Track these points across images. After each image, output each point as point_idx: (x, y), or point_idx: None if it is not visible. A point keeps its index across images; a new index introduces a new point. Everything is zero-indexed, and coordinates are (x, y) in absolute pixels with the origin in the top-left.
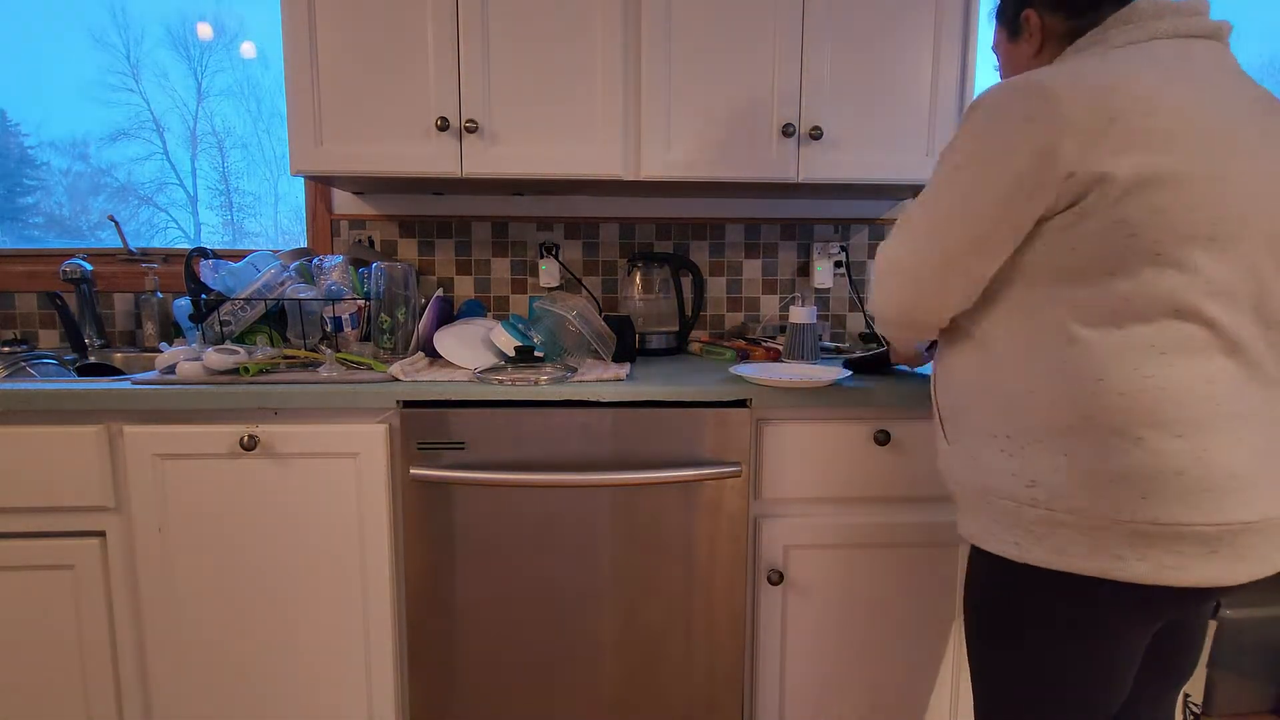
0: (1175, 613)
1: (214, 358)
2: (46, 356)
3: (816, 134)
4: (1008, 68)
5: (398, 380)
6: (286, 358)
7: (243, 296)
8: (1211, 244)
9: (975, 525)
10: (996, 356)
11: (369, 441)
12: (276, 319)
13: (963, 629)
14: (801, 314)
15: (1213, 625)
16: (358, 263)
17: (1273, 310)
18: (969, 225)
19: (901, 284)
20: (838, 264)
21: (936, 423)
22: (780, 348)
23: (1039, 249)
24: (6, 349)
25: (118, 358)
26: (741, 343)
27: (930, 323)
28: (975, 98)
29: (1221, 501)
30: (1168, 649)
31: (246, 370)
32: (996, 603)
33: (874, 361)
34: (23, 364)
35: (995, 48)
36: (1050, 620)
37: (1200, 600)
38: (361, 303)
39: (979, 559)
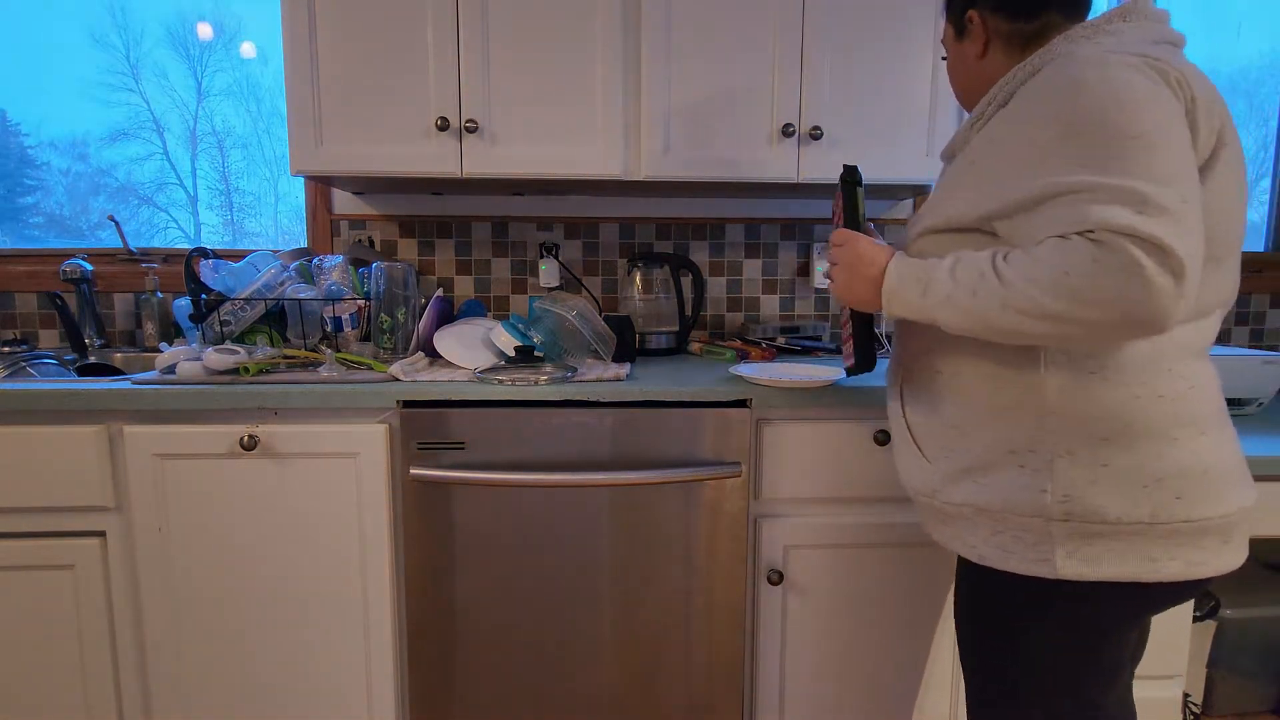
0: (1174, 604)
1: (214, 358)
2: (46, 356)
3: (816, 134)
4: (955, 65)
5: (398, 380)
6: (286, 358)
7: (243, 296)
8: (1232, 251)
9: (985, 547)
10: (1025, 370)
11: (369, 441)
12: (276, 319)
13: (960, 637)
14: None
15: (1212, 625)
16: (358, 263)
17: (1224, 312)
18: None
19: (1179, 279)
20: None
21: (906, 443)
22: (778, 348)
23: None
24: (6, 349)
25: (118, 358)
26: (739, 343)
27: (1172, 326)
28: (1062, 74)
29: (1231, 492)
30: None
31: (246, 370)
32: (1014, 619)
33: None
34: (23, 364)
35: (944, 42)
36: (1076, 627)
37: (1196, 592)
38: (361, 303)
39: (985, 577)
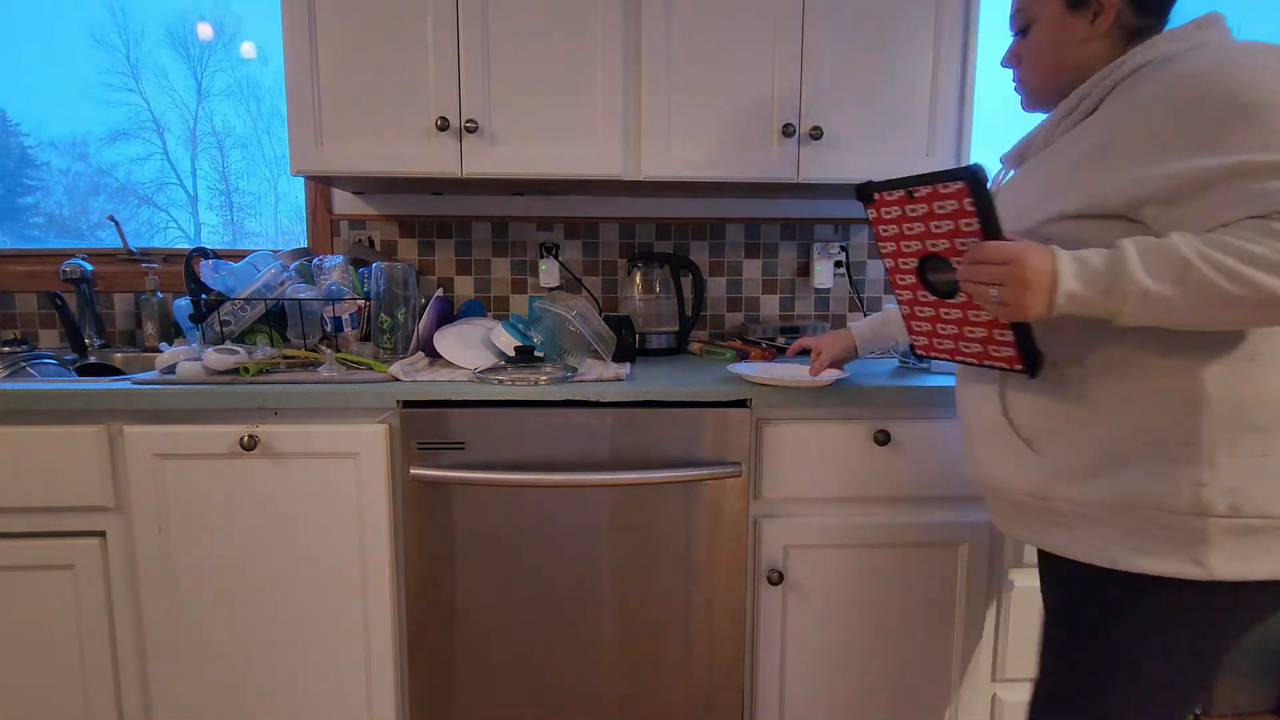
0: None
1: (214, 358)
2: (46, 356)
3: (816, 134)
4: (1052, 40)
5: (398, 380)
6: (286, 358)
7: (243, 296)
8: None
9: (1116, 548)
10: (1177, 357)
11: (369, 441)
12: (276, 319)
13: (1048, 639)
14: None
15: None
16: (358, 263)
17: None
18: None
19: None
20: (838, 264)
21: (1008, 435)
22: (778, 348)
23: None
24: (6, 349)
25: (118, 358)
26: (739, 343)
27: None
28: (1206, 58)
29: None
30: None
31: (246, 370)
32: (1140, 624)
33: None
34: (23, 364)
35: (1027, 10)
36: (1194, 630)
37: None
38: (361, 303)
39: (1105, 580)
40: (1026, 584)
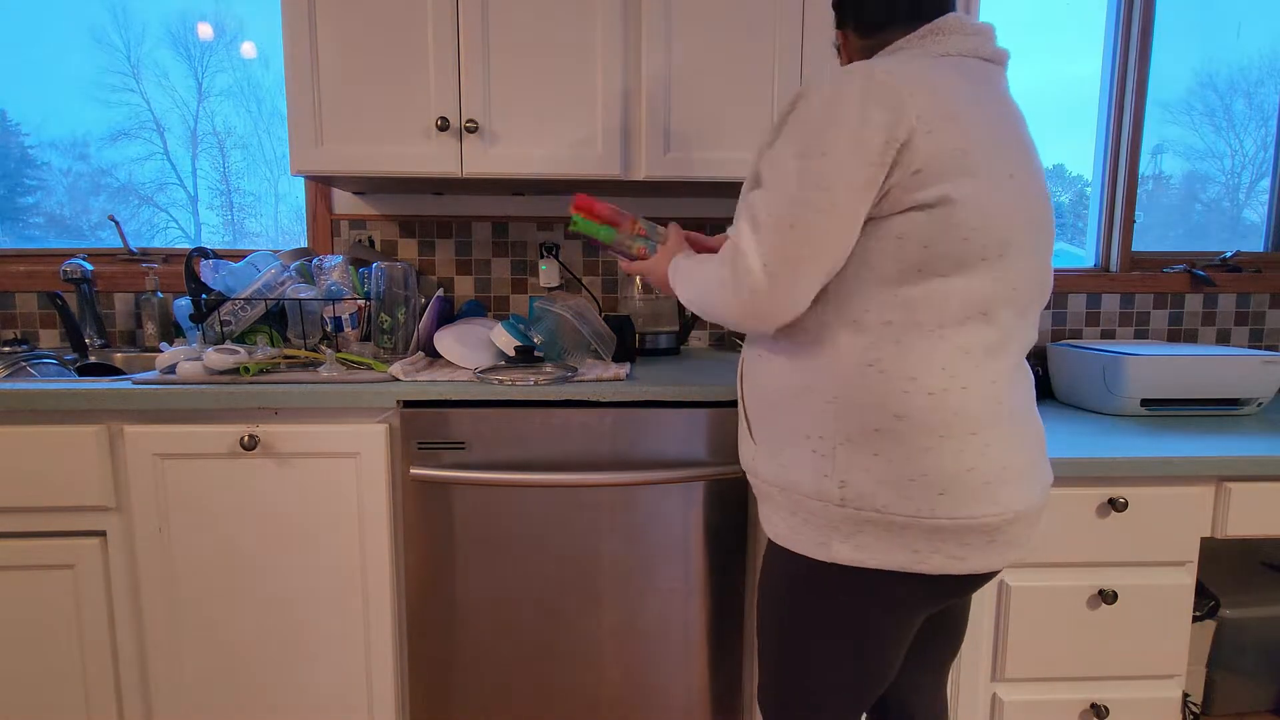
0: (951, 599)
1: (214, 358)
2: (47, 356)
3: None
4: None
5: (398, 380)
6: (287, 358)
7: (243, 296)
8: (1013, 248)
9: (782, 526)
10: (815, 357)
11: (369, 441)
12: (277, 319)
13: (758, 616)
14: None
15: (1212, 625)
16: (358, 263)
17: (1028, 312)
18: (833, 217)
19: (759, 284)
20: None
21: (742, 420)
22: None
23: (873, 246)
24: (7, 349)
25: (118, 358)
26: (739, 342)
27: (783, 321)
28: (805, 89)
29: (999, 493)
30: (932, 633)
31: (246, 370)
32: (798, 599)
33: None
34: (23, 364)
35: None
36: (849, 613)
37: (974, 586)
38: (361, 303)
39: (780, 556)
40: (1026, 584)
